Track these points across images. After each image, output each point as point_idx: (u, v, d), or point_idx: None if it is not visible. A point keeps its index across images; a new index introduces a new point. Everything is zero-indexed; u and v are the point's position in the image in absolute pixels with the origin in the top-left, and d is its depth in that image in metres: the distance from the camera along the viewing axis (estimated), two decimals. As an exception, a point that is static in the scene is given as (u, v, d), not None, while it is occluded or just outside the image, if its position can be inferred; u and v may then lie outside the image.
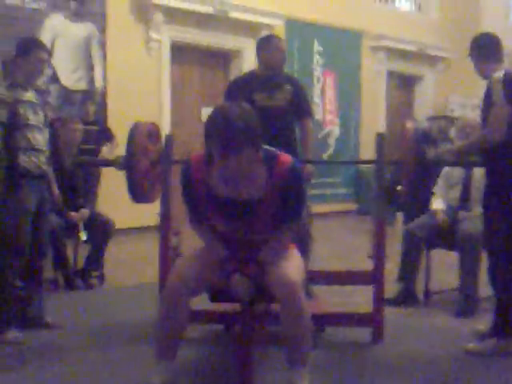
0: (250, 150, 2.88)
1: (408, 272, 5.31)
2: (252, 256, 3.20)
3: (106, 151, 7.69)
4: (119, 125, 7.56)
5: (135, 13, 9.23)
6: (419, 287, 5.38)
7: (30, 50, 4.32)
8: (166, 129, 8.25)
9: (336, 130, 11.89)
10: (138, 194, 4.23)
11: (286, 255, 3.24)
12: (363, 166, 11.93)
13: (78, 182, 5.86)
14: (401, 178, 4.56)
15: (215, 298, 3.44)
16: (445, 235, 5.33)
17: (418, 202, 5.94)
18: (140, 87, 9.03)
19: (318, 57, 11.60)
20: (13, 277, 4.29)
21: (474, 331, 4.41)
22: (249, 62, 9.80)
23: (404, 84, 13.73)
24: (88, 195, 6.01)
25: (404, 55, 13.03)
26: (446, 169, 5.61)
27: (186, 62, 10.09)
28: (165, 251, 4.32)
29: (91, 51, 8.77)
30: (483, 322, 4.46)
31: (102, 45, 8.84)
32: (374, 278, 4.21)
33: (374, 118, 12.31)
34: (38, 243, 4.41)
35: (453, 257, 5.35)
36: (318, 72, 11.62)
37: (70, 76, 8.57)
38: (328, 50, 11.69)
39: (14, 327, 4.28)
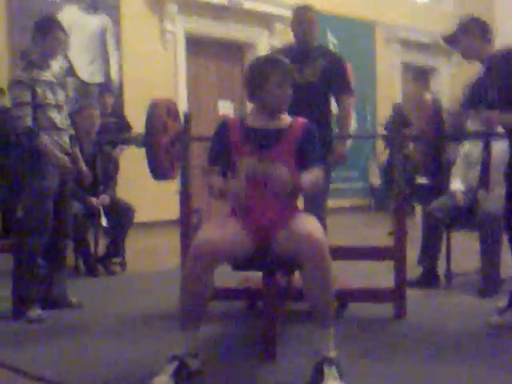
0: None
1: (429, 254, 5.28)
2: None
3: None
4: (136, 116, 7.58)
5: (149, 4, 9.28)
6: (440, 270, 5.35)
7: (50, 29, 4.34)
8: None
9: (352, 122, 11.84)
10: (159, 170, 4.24)
11: (307, 218, 3.31)
12: (382, 160, 11.91)
13: (97, 169, 5.88)
14: (421, 151, 4.52)
15: (238, 266, 3.44)
16: (465, 216, 5.30)
17: (436, 183, 5.90)
18: (156, 79, 9.06)
19: (331, 48, 11.56)
20: (36, 256, 4.31)
21: (496, 308, 4.37)
22: (263, 53, 9.79)
23: (419, 76, 13.69)
24: (108, 182, 6.01)
25: (419, 47, 12.99)
26: (466, 148, 5.58)
27: (201, 53, 10.11)
28: (185, 228, 4.33)
29: (106, 44, 8.81)
30: (504, 300, 4.44)
31: (117, 37, 8.88)
32: (395, 253, 4.19)
33: (390, 111, 12.25)
34: (60, 223, 4.43)
35: (474, 241, 5.31)
36: (332, 64, 11.59)
37: (86, 69, 8.62)
38: (342, 41, 11.66)
39: (37, 306, 4.30)
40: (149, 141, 4.14)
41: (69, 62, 8.38)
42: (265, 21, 10.28)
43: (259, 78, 3.40)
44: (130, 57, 8.98)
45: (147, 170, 4.30)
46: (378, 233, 7.75)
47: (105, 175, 5.97)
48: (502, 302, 4.34)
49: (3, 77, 7.05)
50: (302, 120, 3.54)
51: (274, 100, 3.42)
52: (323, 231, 3.25)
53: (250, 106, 4.31)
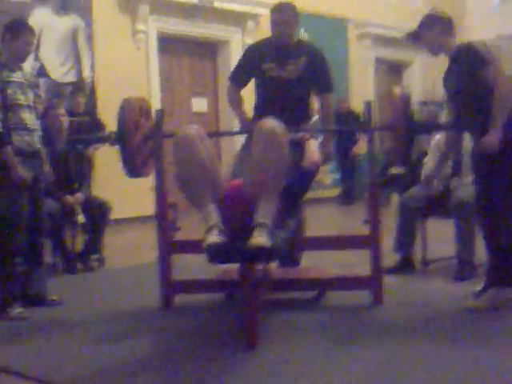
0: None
1: (405, 241, 5.33)
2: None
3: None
4: (109, 115, 7.57)
5: (121, 5, 9.26)
6: (416, 257, 5.41)
7: (20, 32, 4.35)
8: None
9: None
10: (132, 168, 4.26)
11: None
12: (357, 152, 11.97)
13: (71, 167, 5.88)
14: (391, 145, 4.58)
15: (214, 258, 3.45)
16: (439, 203, 5.36)
17: (409, 172, 5.96)
18: (129, 79, 9.04)
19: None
20: (13, 253, 4.31)
21: (473, 292, 4.43)
22: (236, 51, 9.84)
23: (392, 71, 13.78)
24: (82, 179, 6.01)
25: (391, 42, 13.06)
26: (437, 138, 5.63)
27: (174, 53, 10.12)
28: (161, 224, 4.34)
29: (78, 44, 8.79)
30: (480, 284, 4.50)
31: (89, 37, 8.86)
32: (371, 241, 4.24)
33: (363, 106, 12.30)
34: (36, 220, 4.43)
35: (449, 228, 5.36)
36: (305, 61, 11.63)
37: (58, 69, 8.60)
38: (315, 38, 11.67)
39: (18, 303, 4.30)
40: (122, 139, 4.15)
41: (41, 62, 8.34)
42: (237, 19, 10.31)
43: None
44: (103, 57, 8.96)
45: (122, 168, 4.32)
46: (354, 223, 7.77)
47: (79, 174, 5.97)
48: (479, 288, 4.40)
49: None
50: None
51: None
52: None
53: (222, 102, 4.35)
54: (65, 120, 5.81)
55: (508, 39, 11.24)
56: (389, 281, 4.59)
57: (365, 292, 4.31)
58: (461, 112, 4.20)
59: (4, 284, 4.29)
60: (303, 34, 11.55)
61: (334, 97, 4.84)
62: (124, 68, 9.14)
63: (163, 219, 4.35)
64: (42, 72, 8.35)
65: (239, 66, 4.82)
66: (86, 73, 8.84)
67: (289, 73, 4.61)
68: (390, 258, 5.16)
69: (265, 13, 10.72)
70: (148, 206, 8.46)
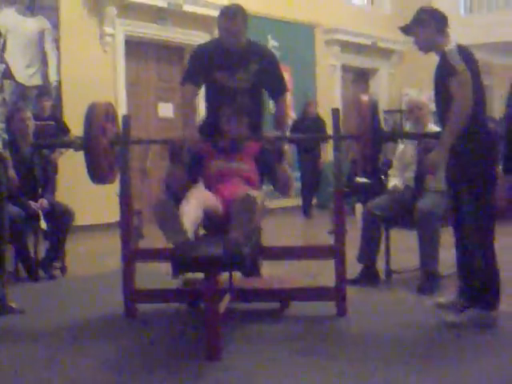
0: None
1: (368, 251, 5.34)
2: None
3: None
4: (75, 119, 7.50)
5: (88, 7, 9.17)
6: (380, 267, 5.42)
7: None
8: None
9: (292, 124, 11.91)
10: (97, 174, 4.23)
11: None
12: (322, 161, 12.01)
13: (36, 172, 5.80)
14: (358, 154, 4.58)
15: (179, 270, 3.45)
16: (403, 214, 5.38)
17: (375, 182, 5.99)
18: (95, 82, 8.95)
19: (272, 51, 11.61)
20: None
21: (435, 304, 4.46)
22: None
23: (359, 78, 13.86)
24: (46, 185, 5.93)
25: (358, 49, 13.15)
26: (400, 149, 5.67)
27: (142, 56, 10.06)
28: (125, 231, 4.30)
29: (44, 46, 8.68)
30: (444, 296, 4.53)
31: (56, 40, 8.77)
32: (336, 251, 4.24)
33: (330, 112, 12.33)
34: (-4, 227, 4.37)
35: (413, 239, 5.39)
36: (273, 66, 11.64)
37: (23, 71, 8.48)
38: (282, 44, 11.72)
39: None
40: (87, 144, 4.12)
41: (6, 64, 8.24)
42: (205, 23, 10.26)
43: None
44: (69, 59, 8.86)
45: (86, 174, 4.28)
46: (321, 231, 7.79)
47: (43, 179, 5.89)
48: (442, 300, 4.43)
49: None
50: None
51: None
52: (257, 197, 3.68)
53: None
54: (31, 124, 5.75)
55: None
56: (352, 291, 4.60)
57: (329, 302, 4.30)
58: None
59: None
60: (270, 40, 11.59)
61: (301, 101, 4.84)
62: (90, 71, 9.06)
63: (127, 226, 4.32)
64: (7, 74, 8.25)
65: (193, 68, 4.70)
66: (52, 76, 8.74)
67: (240, 83, 4.57)
68: (354, 268, 5.17)
69: (233, 18, 10.75)
70: (112, 213, 8.40)
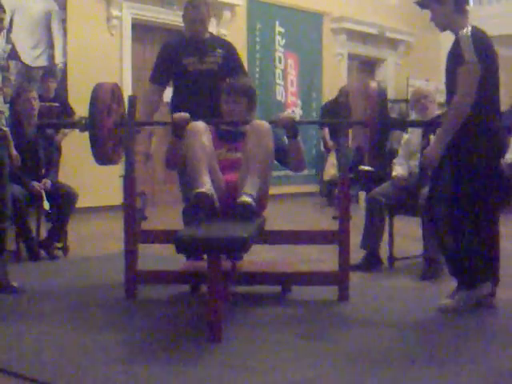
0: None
1: (372, 238, 5.33)
2: None
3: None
4: (80, 102, 7.49)
5: (96, -11, 9.15)
6: (383, 254, 5.41)
7: None
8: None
9: (298, 112, 11.91)
10: (102, 154, 4.21)
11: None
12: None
13: (39, 152, 5.79)
14: (364, 140, 4.56)
15: (181, 249, 3.44)
16: (407, 201, 5.36)
17: (380, 169, 5.97)
18: (101, 64, 8.96)
19: (279, 38, 11.61)
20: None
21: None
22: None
23: (365, 67, 13.81)
24: (50, 166, 5.92)
25: (365, 38, 13.11)
26: (406, 137, 5.66)
27: (148, 40, 10.03)
28: (129, 212, 4.29)
29: (51, 27, 8.67)
30: (447, 282, 4.53)
31: (62, 21, 8.75)
32: (339, 236, 4.23)
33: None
34: (-1, 205, 4.36)
35: (416, 226, 5.37)
36: (279, 53, 11.63)
37: (29, 52, 8.47)
38: (289, 31, 11.71)
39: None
40: (92, 124, 4.10)
41: (12, 45, 8.23)
42: (213, 9, 10.17)
43: None
44: (75, 41, 8.86)
45: (90, 155, 4.27)
46: (323, 218, 7.81)
47: (47, 159, 5.88)
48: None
49: None
50: None
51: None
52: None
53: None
54: (36, 104, 5.74)
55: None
56: (355, 277, 4.60)
57: (330, 288, 4.30)
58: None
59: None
60: (278, 27, 11.56)
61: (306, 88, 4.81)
62: (97, 54, 9.05)
63: (131, 207, 4.30)
64: (13, 55, 8.25)
65: (158, 65, 5.05)
66: (58, 57, 8.73)
67: (209, 65, 4.93)
68: (357, 255, 5.16)
69: (240, 3, 10.73)
70: (116, 196, 8.40)
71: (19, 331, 3.66)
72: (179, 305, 4.26)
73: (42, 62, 8.59)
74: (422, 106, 5.38)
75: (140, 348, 3.38)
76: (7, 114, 4.51)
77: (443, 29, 4.10)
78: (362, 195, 8.91)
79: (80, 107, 6.85)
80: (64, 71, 8.77)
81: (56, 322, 3.84)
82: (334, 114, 9.33)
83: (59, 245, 5.84)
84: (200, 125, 4.02)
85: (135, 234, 4.31)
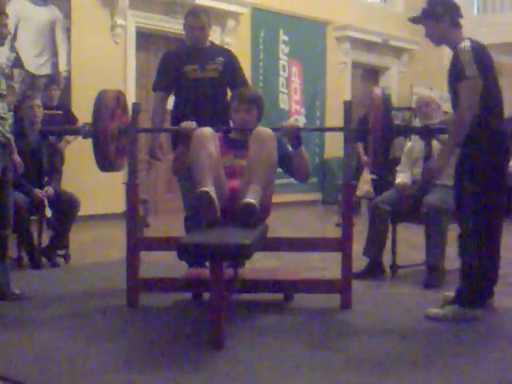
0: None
1: (375, 245, 5.31)
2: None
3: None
4: (84, 110, 7.50)
5: (100, -3, 9.18)
6: (386, 262, 5.39)
7: None
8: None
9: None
10: (105, 160, 4.21)
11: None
12: (328, 157, 12.02)
13: (42, 160, 5.80)
14: (369, 147, 4.55)
15: (183, 255, 3.44)
16: (410, 209, 5.35)
17: (384, 177, 5.96)
18: (105, 73, 8.96)
19: (283, 46, 11.61)
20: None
21: (443, 298, 4.41)
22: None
23: (369, 75, 13.80)
24: (53, 173, 5.93)
25: (369, 46, 13.10)
26: (409, 145, 5.66)
27: (152, 48, 10.03)
28: (131, 219, 4.29)
29: (55, 36, 8.69)
30: (451, 290, 4.51)
31: (67, 29, 8.77)
32: (342, 244, 4.21)
33: (339, 109, 12.22)
34: (2, 212, 4.35)
35: (419, 234, 5.35)
36: (283, 61, 11.63)
37: (33, 60, 8.48)
38: (293, 39, 11.71)
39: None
40: (96, 128, 4.10)
41: (16, 53, 8.24)
42: (217, 17, 10.25)
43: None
44: (80, 50, 8.88)
45: (93, 163, 4.27)
46: (326, 226, 7.81)
47: (50, 167, 5.89)
48: (448, 293, 4.40)
49: None
50: None
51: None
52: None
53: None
54: (40, 112, 5.74)
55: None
56: (357, 285, 4.58)
57: (333, 296, 4.28)
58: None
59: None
60: (282, 35, 11.57)
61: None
62: (101, 62, 9.07)
63: (133, 214, 4.30)
64: (17, 63, 8.26)
65: (161, 74, 5.08)
66: (62, 66, 8.74)
67: (210, 72, 4.95)
68: (360, 263, 5.14)
69: (245, 12, 10.74)
70: (118, 204, 8.43)
71: (20, 338, 3.65)
72: (181, 312, 4.25)
73: (47, 70, 8.60)
74: (424, 114, 5.40)
75: (141, 355, 3.37)
76: (11, 121, 4.50)
77: (439, 43, 4.13)
78: (365, 202, 8.91)
79: (84, 115, 6.85)
80: (68, 79, 8.79)
81: (57, 330, 3.83)
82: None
83: (61, 252, 5.85)
84: (207, 131, 4.01)
85: (137, 242, 4.31)
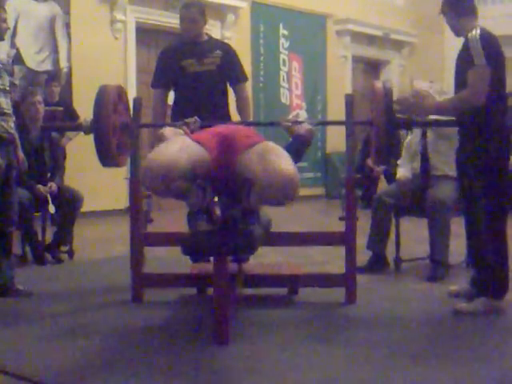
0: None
1: (378, 239, 5.30)
2: None
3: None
4: (85, 105, 7.49)
5: (100, -7, 9.16)
6: (389, 256, 5.39)
7: None
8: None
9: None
10: (107, 155, 4.20)
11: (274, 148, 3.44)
12: (330, 152, 12.02)
13: (45, 156, 5.79)
14: (371, 141, 4.54)
15: (188, 250, 3.44)
16: (414, 202, 5.34)
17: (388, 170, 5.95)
18: (105, 68, 8.93)
19: (283, 40, 11.59)
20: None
21: (448, 292, 4.42)
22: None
23: (369, 69, 13.78)
24: (55, 169, 5.92)
25: (369, 40, 13.08)
26: (408, 139, 5.65)
27: (152, 43, 10.02)
28: (135, 215, 4.28)
29: (55, 32, 8.67)
30: (455, 284, 4.51)
31: (67, 25, 8.75)
32: (346, 238, 4.21)
33: (340, 103, 12.16)
34: (6, 209, 4.35)
35: (423, 228, 5.35)
36: (284, 55, 11.61)
37: (34, 57, 8.48)
38: (293, 33, 11.69)
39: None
40: (97, 123, 4.09)
41: (17, 49, 8.23)
42: (217, 11, 10.23)
43: None
44: (80, 46, 8.86)
45: (96, 159, 4.26)
46: (330, 220, 7.76)
47: (52, 163, 5.88)
48: (454, 287, 4.40)
49: None
50: None
51: None
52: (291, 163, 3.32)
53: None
54: (41, 108, 5.73)
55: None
56: (361, 279, 4.58)
57: (337, 290, 4.28)
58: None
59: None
60: (282, 30, 11.55)
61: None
62: (101, 58, 9.05)
63: (137, 209, 4.29)
64: (17, 59, 8.25)
65: (159, 70, 5.08)
66: (63, 62, 8.73)
67: (208, 66, 4.95)
68: (363, 257, 5.14)
69: (244, 6, 10.72)
70: (121, 200, 8.42)
71: (24, 334, 3.66)
72: (186, 307, 4.25)
73: (47, 66, 8.59)
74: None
75: (145, 350, 3.37)
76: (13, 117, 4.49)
77: (460, 35, 4.09)
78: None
79: (85, 111, 6.84)
80: (69, 75, 8.78)
81: (61, 325, 3.84)
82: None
83: (65, 248, 5.84)
84: (157, 168, 3.20)
85: (141, 237, 4.30)
